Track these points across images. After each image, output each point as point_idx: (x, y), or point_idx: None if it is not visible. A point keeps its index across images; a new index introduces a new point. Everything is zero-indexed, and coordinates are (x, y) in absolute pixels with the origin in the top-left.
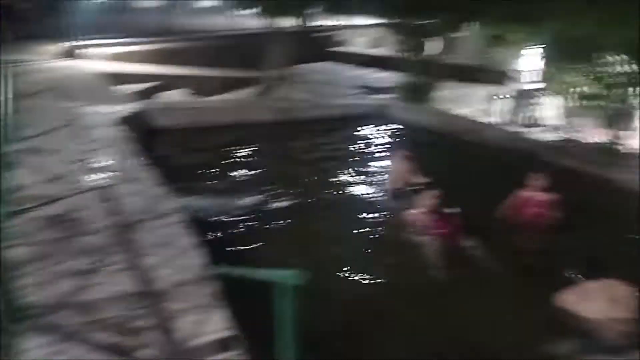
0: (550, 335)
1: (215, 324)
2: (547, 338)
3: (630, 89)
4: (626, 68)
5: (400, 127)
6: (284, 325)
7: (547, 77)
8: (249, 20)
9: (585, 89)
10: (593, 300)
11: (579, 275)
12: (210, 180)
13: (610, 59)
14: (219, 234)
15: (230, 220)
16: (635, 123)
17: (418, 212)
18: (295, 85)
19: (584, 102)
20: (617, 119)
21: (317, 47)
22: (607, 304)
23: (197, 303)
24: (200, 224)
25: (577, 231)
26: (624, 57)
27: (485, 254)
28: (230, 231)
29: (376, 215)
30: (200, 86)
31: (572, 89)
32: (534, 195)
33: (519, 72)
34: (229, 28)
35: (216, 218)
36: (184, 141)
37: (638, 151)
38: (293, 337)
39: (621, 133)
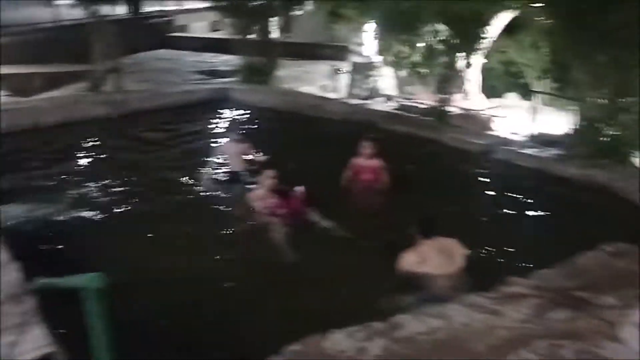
0: (393, 293)
1: (32, 342)
2: (390, 296)
3: (450, 55)
4: (445, 36)
5: (243, 109)
6: (96, 329)
7: (382, 49)
8: (72, 10)
9: (413, 58)
10: (429, 259)
11: (418, 235)
12: (32, 186)
13: (431, 28)
14: (41, 244)
15: (53, 227)
16: (463, 85)
17: (260, 193)
18: (130, 75)
19: (413, 70)
20: (444, 83)
21: (153, 33)
22: (441, 261)
23: (12, 322)
24: (19, 234)
25: (413, 192)
26: (443, 26)
27: (331, 225)
28: (52, 238)
29: (218, 201)
30: (20, 85)
31: (403, 59)
32: (366, 162)
33: (358, 46)
34: (50, 20)
35: (38, 226)
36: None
37: (465, 111)
38: (107, 340)
39: (450, 96)
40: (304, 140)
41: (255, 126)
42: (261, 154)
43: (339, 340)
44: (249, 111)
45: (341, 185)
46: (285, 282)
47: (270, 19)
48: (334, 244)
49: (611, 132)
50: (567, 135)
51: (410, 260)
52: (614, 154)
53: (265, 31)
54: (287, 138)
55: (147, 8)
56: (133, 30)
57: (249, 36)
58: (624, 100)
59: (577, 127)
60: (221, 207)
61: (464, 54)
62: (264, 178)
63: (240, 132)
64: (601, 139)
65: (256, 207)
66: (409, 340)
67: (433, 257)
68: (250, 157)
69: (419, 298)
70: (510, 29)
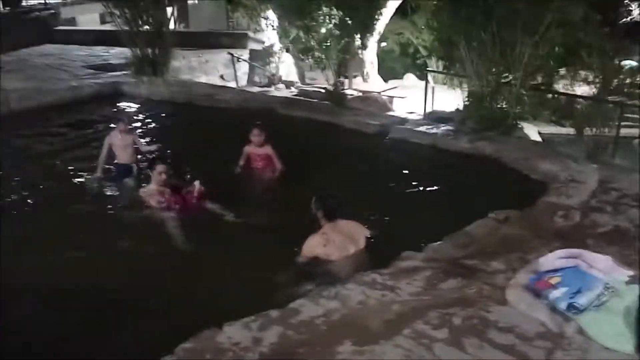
0: (293, 280)
1: None
2: (290, 283)
3: (345, 39)
4: (339, 19)
5: (135, 103)
6: None
7: (280, 36)
8: None
9: (309, 43)
10: (333, 243)
11: (323, 219)
12: None
13: (326, 12)
14: None
15: None
16: (362, 68)
17: (151, 188)
18: (11, 73)
19: (311, 56)
20: (341, 67)
21: (37, 28)
22: (344, 244)
23: None
24: None
25: (310, 177)
26: (336, 11)
27: (229, 216)
28: None
29: (108, 199)
30: None
31: (301, 45)
32: (257, 149)
33: (257, 34)
34: None
35: None
36: None
37: (364, 94)
38: None
39: (348, 80)
40: (197, 131)
41: (147, 119)
42: (152, 146)
43: (233, 332)
44: (140, 105)
45: (235, 173)
46: (179, 277)
47: (164, 8)
48: (231, 234)
49: (497, 106)
50: (457, 111)
51: (315, 245)
52: (500, 127)
53: (158, 21)
54: (179, 130)
55: (30, 1)
56: (12, 26)
57: (141, 27)
58: (507, 75)
59: (466, 103)
60: (110, 203)
61: (358, 37)
62: (155, 173)
63: (130, 125)
64: (487, 113)
65: (147, 202)
66: (305, 325)
67: (337, 241)
68: (139, 149)
69: (319, 282)
70: (404, 11)
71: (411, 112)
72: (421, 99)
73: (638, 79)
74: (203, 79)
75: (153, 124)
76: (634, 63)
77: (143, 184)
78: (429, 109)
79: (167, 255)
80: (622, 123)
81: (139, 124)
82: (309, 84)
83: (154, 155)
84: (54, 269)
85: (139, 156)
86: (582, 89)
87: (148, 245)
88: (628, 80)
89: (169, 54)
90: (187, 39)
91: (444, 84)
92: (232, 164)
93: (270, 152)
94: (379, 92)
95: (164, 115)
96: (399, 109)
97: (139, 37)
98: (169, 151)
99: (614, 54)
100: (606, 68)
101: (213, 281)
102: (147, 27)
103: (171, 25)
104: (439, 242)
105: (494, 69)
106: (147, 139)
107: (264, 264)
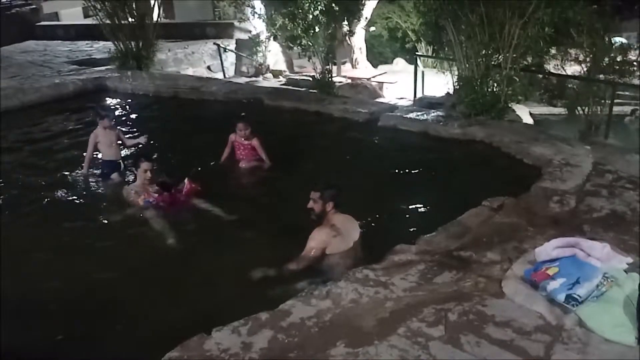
0: (285, 278)
1: None
2: (282, 282)
3: (332, 25)
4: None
5: (119, 97)
6: None
7: (267, 24)
8: None
9: (296, 31)
10: (341, 234)
11: (331, 208)
12: None
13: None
14: None
15: None
16: (351, 55)
17: (137, 185)
18: None
19: (298, 44)
20: (329, 54)
21: (19, 24)
22: (344, 238)
23: None
24: None
25: (299, 168)
26: None
27: (218, 213)
28: None
29: (93, 198)
30: None
31: (287, 33)
32: (243, 142)
33: (243, 23)
34: None
35: None
36: None
37: (353, 80)
38: None
39: (337, 67)
40: (183, 125)
41: (131, 114)
42: (139, 139)
43: (222, 338)
44: (124, 100)
45: (220, 165)
46: (165, 280)
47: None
48: (221, 233)
49: (487, 90)
50: (448, 95)
51: (326, 237)
52: (491, 110)
53: (141, 13)
54: (164, 124)
55: None
56: None
57: (123, 20)
58: (497, 56)
59: (456, 87)
60: (95, 202)
61: (345, 23)
62: (140, 170)
63: (114, 120)
64: (478, 97)
65: (134, 200)
66: (296, 328)
67: (344, 232)
68: (124, 145)
69: (314, 280)
70: None
71: (401, 98)
72: (411, 84)
73: (628, 56)
74: (189, 70)
75: (137, 119)
76: (624, 40)
77: (129, 181)
78: (419, 94)
79: (152, 256)
80: (615, 100)
81: (123, 120)
82: (297, 72)
83: (138, 151)
84: (32, 272)
85: (126, 152)
86: (573, 69)
87: (133, 246)
88: (619, 58)
89: (152, 46)
90: (171, 30)
91: (434, 67)
92: (219, 158)
93: (255, 144)
94: (368, 79)
95: (148, 109)
96: (389, 95)
97: (121, 31)
98: (154, 146)
99: (603, 31)
100: (596, 46)
101: (201, 283)
102: (129, 19)
103: (156, 17)
104: (432, 234)
105: (483, 52)
106: (132, 135)
107: (254, 262)
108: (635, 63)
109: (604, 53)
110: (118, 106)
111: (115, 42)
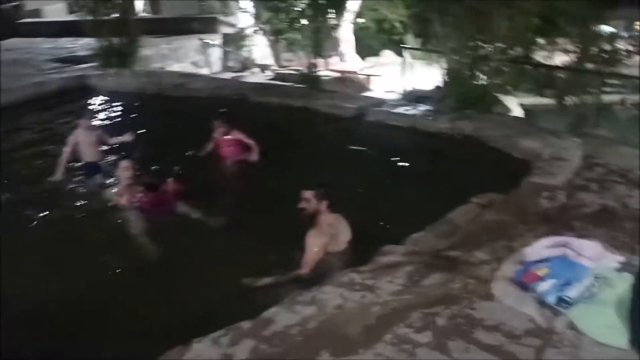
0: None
1: None
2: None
3: (318, 18)
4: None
5: (102, 95)
6: None
7: (255, 18)
8: None
9: (282, 24)
10: (337, 234)
11: (326, 210)
12: None
13: None
14: None
15: None
16: (338, 48)
17: (119, 186)
18: None
19: (285, 37)
20: (316, 47)
21: (1, 22)
22: (344, 236)
23: None
24: None
25: (284, 167)
26: None
27: (202, 216)
28: None
29: (74, 201)
30: None
31: (273, 27)
32: (225, 140)
33: (228, 17)
34: None
35: None
36: None
37: (341, 74)
38: None
39: (324, 60)
40: (167, 123)
41: (113, 113)
42: (124, 136)
43: (202, 349)
44: (106, 98)
45: (205, 164)
46: (145, 288)
47: None
48: (204, 236)
49: (476, 82)
50: (437, 89)
51: (324, 237)
52: (480, 103)
53: (125, 9)
54: (148, 123)
55: None
56: None
57: (105, 16)
58: (485, 48)
59: (444, 80)
60: (75, 205)
61: (332, 15)
62: (120, 170)
63: (97, 120)
64: (467, 90)
65: (115, 201)
66: (279, 337)
67: (340, 232)
68: (106, 146)
69: (300, 285)
70: None
71: (390, 92)
72: (398, 77)
73: (615, 44)
74: (175, 66)
75: (120, 118)
76: (611, 29)
77: (112, 182)
78: (408, 88)
79: (132, 262)
80: (604, 89)
81: (105, 119)
82: (285, 67)
83: (120, 151)
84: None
85: (106, 152)
86: (561, 59)
87: (112, 250)
88: (608, 47)
89: (136, 42)
90: (156, 25)
91: (424, 59)
92: (204, 157)
93: (238, 136)
94: (355, 72)
95: (131, 108)
96: (378, 89)
97: (104, 27)
98: (137, 146)
99: (590, 20)
100: (584, 36)
101: (182, 290)
102: (111, 15)
103: (143, 12)
104: (420, 233)
105: (470, 43)
106: (112, 134)
107: (239, 268)
108: (623, 52)
109: (591, 42)
110: (100, 105)
111: (98, 39)
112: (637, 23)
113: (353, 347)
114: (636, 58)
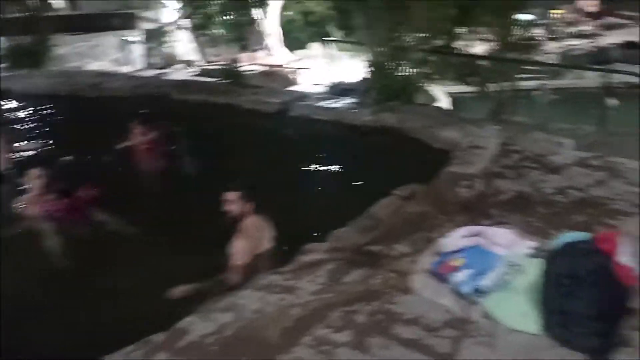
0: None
1: None
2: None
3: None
4: None
5: (10, 99)
6: None
7: (177, 13)
8: None
9: (204, 19)
10: (264, 237)
11: (251, 212)
12: None
13: None
14: None
15: None
16: (264, 41)
17: (29, 195)
18: None
19: (208, 32)
20: (241, 41)
21: None
22: (269, 239)
23: None
24: None
25: (206, 168)
26: None
27: (119, 224)
28: None
29: None
30: None
31: (196, 21)
32: (141, 143)
33: (149, 12)
34: None
35: None
36: None
37: (267, 68)
38: None
39: (249, 54)
40: (81, 126)
41: (21, 118)
42: (27, 147)
43: None
44: (14, 101)
45: (123, 168)
46: (54, 299)
47: None
48: (120, 244)
49: (399, 74)
50: (361, 81)
51: (252, 242)
52: (404, 94)
53: (35, 6)
54: (60, 127)
55: None
56: None
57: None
58: (407, 39)
59: (368, 72)
60: None
61: (255, 8)
62: (31, 178)
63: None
64: (390, 81)
65: (24, 211)
66: (195, 347)
67: (266, 235)
68: (13, 153)
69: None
70: None
71: (316, 85)
72: (324, 70)
73: (532, 32)
74: (93, 65)
75: (29, 123)
76: (529, 17)
77: (21, 190)
78: (335, 80)
79: (41, 275)
80: (522, 76)
81: (12, 124)
82: (211, 62)
83: (29, 158)
84: None
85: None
86: (482, 47)
87: (22, 263)
88: (526, 35)
89: (49, 41)
90: (72, 22)
91: (351, 51)
92: (120, 160)
93: (154, 136)
94: (282, 66)
95: (42, 111)
96: (305, 82)
97: (11, 25)
98: (48, 151)
99: (508, 9)
100: (502, 24)
101: (93, 302)
102: (19, 12)
103: (62, 10)
104: (343, 229)
105: (391, 35)
106: (19, 140)
107: (155, 278)
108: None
109: (508, 31)
110: (6, 109)
111: (9, 38)
112: (551, 11)
113: (271, 353)
114: (552, 45)
